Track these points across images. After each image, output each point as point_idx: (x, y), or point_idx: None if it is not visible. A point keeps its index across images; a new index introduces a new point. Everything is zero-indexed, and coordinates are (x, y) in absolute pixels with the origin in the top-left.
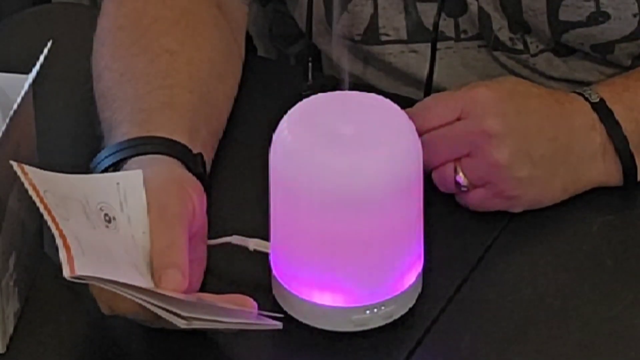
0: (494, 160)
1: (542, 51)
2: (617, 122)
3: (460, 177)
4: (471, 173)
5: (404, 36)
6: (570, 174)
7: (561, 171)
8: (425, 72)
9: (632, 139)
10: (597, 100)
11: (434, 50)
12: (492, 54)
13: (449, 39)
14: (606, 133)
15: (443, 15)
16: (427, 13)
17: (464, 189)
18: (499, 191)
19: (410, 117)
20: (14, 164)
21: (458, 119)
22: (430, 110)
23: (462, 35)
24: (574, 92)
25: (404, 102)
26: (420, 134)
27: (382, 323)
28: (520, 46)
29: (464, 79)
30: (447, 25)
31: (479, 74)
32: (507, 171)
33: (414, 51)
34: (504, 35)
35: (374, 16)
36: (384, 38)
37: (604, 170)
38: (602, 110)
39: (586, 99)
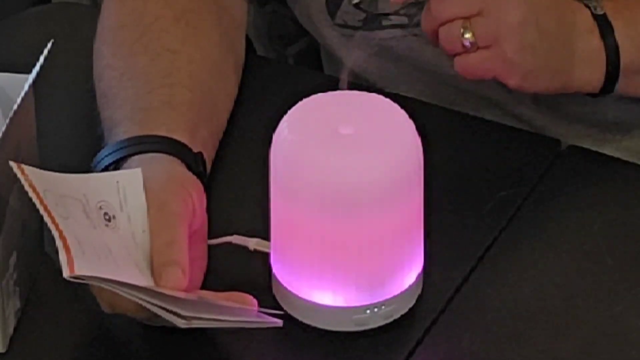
0: (506, 19)
1: None
2: (614, 36)
3: (468, 36)
4: (480, 31)
5: (405, 20)
6: (565, 62)
7: (560, 54)
8: (427, 56)
9: (625, 56)
10: (601, 13)
11: None
12: None
13: None
14: (603, 44)
15: None
16: None
17: (469, 46)
18: (501, 52)
19: None
20: (13, 165)
21: None
22: None
23: None
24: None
25: (404, 102)
26: None
27: (382, 323)
28: None
29: None
30: None
31: None
32: (516, 33)
33: (415, 35)
34: None
35: (374, 1)
36: (385, 23)
37: (589, 76)
38: (602, 22)
39: (587, 7)
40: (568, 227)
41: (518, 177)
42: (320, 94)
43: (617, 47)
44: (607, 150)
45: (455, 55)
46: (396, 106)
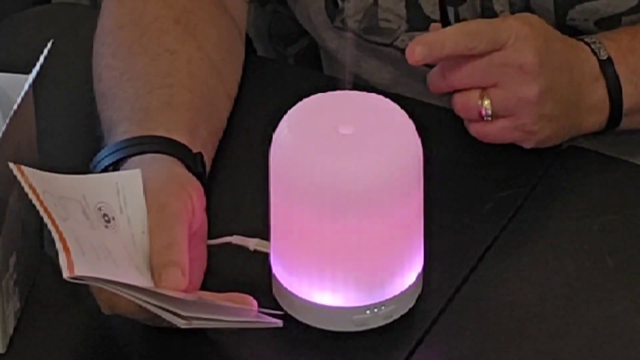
0: (524, 95)
1: None
2: (619, 82)
3: (486, 106)
4: (498, 104)
5: (405, 25)
6: (576, 117)
7: (572, 113)
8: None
9: (627, 101)
10: (605, 58)
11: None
12: None
13: None
14: (607, 89)
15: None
16: (429, 0)
17: (488, 118)
18: (520, 125)
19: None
20: (12, 166)
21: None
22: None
23: None
24: (582, 41)
25: (404, 102)
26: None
27: (382, 323)
28: None
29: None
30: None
31: None
32: (535, 107)
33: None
34: None
35: (374, 5)
36: (384, 26)
37: (594, 123)
38: (607, 68)
39: (593, 52)
40: (568, 227)
41: (518, 177)
42: (320, 94)
43: (621, 95)
44: (607, 151)
45: (470, 120)
46: (396, 106)
